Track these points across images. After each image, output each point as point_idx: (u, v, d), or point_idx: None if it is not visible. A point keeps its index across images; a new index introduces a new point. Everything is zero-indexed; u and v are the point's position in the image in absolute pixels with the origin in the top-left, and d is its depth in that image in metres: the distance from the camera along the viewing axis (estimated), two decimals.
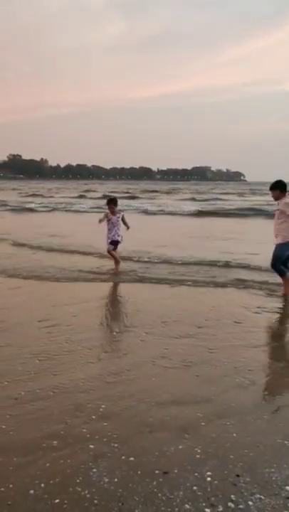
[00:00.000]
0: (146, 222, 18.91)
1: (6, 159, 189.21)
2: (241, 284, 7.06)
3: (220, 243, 11.75)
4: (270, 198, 7.00)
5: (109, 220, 8.06)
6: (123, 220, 8.15)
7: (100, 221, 8.05)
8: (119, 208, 8.38)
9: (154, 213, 23.62)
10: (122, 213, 8.23)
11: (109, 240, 8.04)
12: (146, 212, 23.83)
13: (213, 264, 8.55)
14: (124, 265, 8.27)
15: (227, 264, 8.49)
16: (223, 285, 7.01)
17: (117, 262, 8.04)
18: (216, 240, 12.68)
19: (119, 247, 8.26)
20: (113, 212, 8.10)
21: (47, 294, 6.57)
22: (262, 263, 7.91)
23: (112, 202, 8.20)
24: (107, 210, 8.17)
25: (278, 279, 6.60)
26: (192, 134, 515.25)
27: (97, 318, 5.38)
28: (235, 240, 12.41)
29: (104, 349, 4.21)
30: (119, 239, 8.07)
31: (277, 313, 5.67)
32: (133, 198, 38.97)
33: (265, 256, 7.19)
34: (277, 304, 6.05)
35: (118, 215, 8.11)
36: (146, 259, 8.97)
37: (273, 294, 6.47)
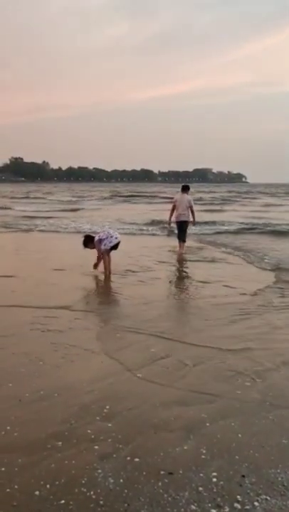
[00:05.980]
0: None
1: (8, 162, 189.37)
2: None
3: None
4: None
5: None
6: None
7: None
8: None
9: None
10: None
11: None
12: None
13: None
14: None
15: None
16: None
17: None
18: None
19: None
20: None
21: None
22: None
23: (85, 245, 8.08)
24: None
25: None
26: (194, 136, 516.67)
27: (98, 320, 5.38)
28: None
29: (106, 351, 4.20)
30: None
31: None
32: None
33: None
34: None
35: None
36: None
37: None
